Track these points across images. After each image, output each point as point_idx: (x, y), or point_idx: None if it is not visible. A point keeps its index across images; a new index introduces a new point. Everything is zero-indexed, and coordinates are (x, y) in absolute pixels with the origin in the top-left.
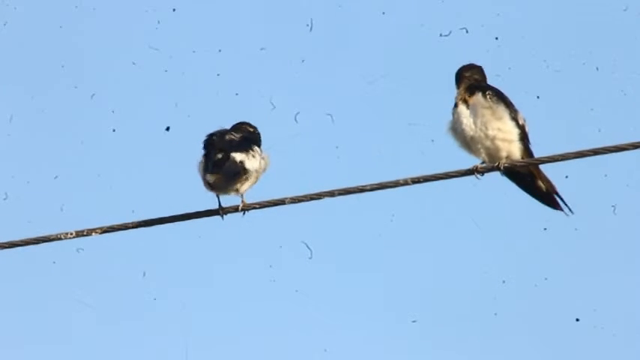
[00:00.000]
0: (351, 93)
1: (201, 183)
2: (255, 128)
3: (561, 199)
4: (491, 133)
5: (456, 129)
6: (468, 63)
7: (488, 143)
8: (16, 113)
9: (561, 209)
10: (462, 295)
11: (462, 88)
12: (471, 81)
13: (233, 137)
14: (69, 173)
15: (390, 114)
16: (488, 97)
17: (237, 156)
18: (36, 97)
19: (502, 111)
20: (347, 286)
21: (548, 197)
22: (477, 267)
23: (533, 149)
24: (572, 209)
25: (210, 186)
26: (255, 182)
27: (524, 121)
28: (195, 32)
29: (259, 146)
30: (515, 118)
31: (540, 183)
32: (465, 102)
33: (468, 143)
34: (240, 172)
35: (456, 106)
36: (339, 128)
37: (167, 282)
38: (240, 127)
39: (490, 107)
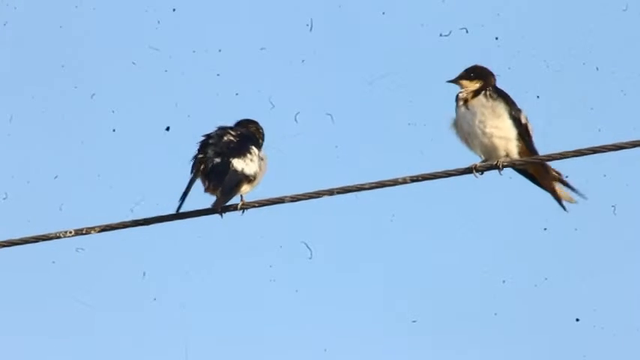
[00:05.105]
0: (351, 93)
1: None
2: (256, 126)
3: (570, 188)
4: (488, 130)
5: (457, 125)
6: (488, 67)
7: (485, 141)
8: (16, 113)
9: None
10: (462, 295)
11: (471, 88)
12: (486, 84)
13: (231, 139)
14: (69, 173)
15: (390, 114)
16: (488, 94)
17: (237, 164)
18: (36, 97)
19: (502, 109)
20: (347, 286)
21: (554, 194)
22: (477, 267)
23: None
24: (584, 195)
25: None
26: (256, 185)
27: (527, 120)
28: (195, 32)
29: (258, 146)
30: (515, 117)
31: (545, 183)
32: (466, 103)
33: (466, 139)
34: (241, 181)
35: (457, 103)
36: (339, 128)
37: (167, 282)
38: (244, 124)
39: (490, 106)
